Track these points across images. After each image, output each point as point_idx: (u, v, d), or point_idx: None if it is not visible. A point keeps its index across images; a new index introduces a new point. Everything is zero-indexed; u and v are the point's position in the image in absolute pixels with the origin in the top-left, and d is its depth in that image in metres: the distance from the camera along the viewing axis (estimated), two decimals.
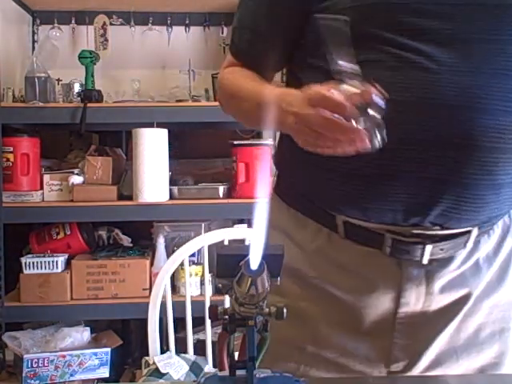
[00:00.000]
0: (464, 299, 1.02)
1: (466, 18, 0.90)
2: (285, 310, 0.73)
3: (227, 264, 0.72)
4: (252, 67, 1.08)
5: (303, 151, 0.94)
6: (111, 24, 3.21)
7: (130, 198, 2.76)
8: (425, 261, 0.98)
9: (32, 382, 2.54)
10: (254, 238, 0.68)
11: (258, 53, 1.07)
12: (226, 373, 0.74)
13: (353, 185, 0.96)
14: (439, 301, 1.01)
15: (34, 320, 2.79)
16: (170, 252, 2.61)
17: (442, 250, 0.99)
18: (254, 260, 0.67)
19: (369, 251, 1.00)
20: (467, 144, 0.90)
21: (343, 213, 0.99)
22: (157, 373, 2.19)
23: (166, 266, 1.89)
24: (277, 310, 0.72)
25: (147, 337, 1.88)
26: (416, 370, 1.02)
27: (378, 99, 0.80)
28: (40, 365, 2.54)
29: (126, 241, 3.02)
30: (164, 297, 1.87)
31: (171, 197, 2.79)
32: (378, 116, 0.81)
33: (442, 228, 0.97)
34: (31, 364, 2.53)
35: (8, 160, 2.74)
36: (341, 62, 0.84)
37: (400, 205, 0.95)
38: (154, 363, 2.16)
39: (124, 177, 2.85)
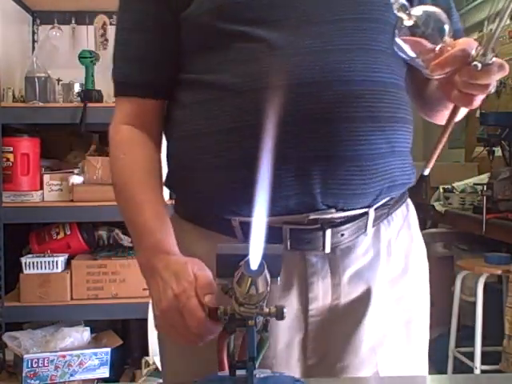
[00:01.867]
0: (370, 292, 1.02)
1: (317, 1, 0.95)
2: (285, 310, 0.73)
3: (227, 264, 0.72)
4: (148, 96, 1.05)
5: (188, 167, 1.00)
6: (111, 24, 3.22)
7: None
8: (327, 249, 0.98)
9: (32, 381, 2.54)
10: (254, 238, 0.68)
11: (151, 77, 1.05)
12: (226, 373, 0.74)
13: (237, 180, 0.95)
14: (347, 293, 1.01)
15: (33, 320, 2.79)
16: None
17: (342, 235, 0.99)
18: (254, 260, 0.67)
19: None
20: (338, 117, 0.93)
21: (237, 214, 0.97)
22: (157, 373, 2.19)
23: None
24: (277, 310, 0.72)
25: (147, 337, 1.88)
26: (334, 367, 1.01)
27: None
28: (40, 365, 2.54)
29: (126, 241, 3.02)
30: None
31: (171, 196, 2.78)
32: None
33: (338, 210, 0.97)
34: (31, 364, 2.53)
35: (8, 160, 2.74)
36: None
37: (288, 190, 0.94)
38: (153, 363, 2.17)
39: None
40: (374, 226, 1.02)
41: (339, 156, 0.94)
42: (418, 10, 0.84)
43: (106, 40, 3.22)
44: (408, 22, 0.84)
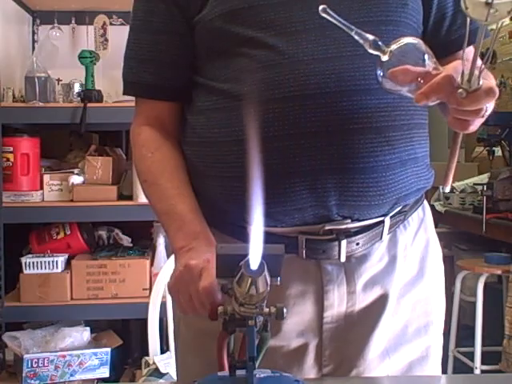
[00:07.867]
0: (385, 297, 1.01)
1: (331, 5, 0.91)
2: (285, 310, 0.73)
3: (227, 264, 0.72)
4: (158, 97, 1.05)
5: (202, 174, 0.99)
6: (111, 24, 3.21)
7: (129, 198, 2.75)
8: (342, 258, 0.97)
9: (32, 381, 2.54)
10: (254, 238, 0.68)
11: (166, 78, 1.04)
12: (226, 373, 0.74)
13: (251, 191, 0.91)
14: (362, 300, 1.00)
15: (34, 320, 2.79)
16: (170, 252, 2.61)
17: (358, 244, 0.98)
18: (254, 260, 0.67)
19: (286, 258, 0.94)
20: (353, 128, 0.91)
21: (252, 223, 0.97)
22: (157, 373, 2.19)
23: (166, 266, 1.89)
24: (277, 310, 0.72)
25: (147, 337, 1.87)
26: (350, 373, 1.00)
27: None
28: (40, 365, 2.54)
29: (125, 241, 3.02)
30: (164, 297, 1.87)
31: None
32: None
33: (353, 220, 0.96)
34: (31, 364, 2.53)
35: (8, 160, 2.73)
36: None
37: (303, 202, 0.94)
38: (153, 363, 2.16)
39: (124, 177, 2.85)
40: (389, 232, 1.01)
41: (355, 168, 0.92)
42: (393, 44, 0.82)
43: (106, 40, 3.22)
44: (384, 58, 0.81)
